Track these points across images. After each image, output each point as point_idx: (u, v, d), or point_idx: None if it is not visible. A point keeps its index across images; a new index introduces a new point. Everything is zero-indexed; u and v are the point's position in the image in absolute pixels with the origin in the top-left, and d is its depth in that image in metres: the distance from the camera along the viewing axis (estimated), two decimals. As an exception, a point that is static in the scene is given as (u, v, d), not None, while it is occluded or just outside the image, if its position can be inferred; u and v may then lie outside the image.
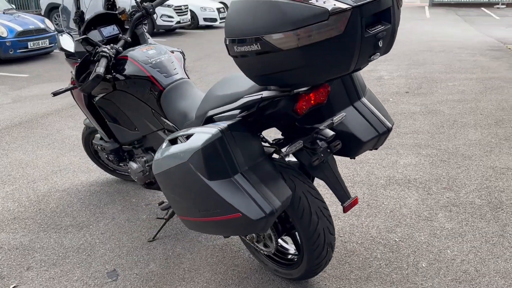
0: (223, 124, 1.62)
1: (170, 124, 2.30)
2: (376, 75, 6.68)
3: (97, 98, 2.56)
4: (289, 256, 2.32)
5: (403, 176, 3.33)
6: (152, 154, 2.60)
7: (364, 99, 1.98)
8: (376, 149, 2.02)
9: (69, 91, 2.62)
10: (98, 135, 3.03)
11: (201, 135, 1.59)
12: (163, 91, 2.32)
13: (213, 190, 1.56)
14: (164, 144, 1.77)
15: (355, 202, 1.84)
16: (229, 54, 1.50)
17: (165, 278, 2.31)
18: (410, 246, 2.49)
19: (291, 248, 2.34)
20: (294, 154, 1.84)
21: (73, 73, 2.63)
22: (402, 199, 2.99)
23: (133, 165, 2.63)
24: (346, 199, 1.83)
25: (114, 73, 2.37)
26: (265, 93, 1.60)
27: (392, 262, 2.36)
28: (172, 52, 2.51)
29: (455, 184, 3.19)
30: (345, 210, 1.82)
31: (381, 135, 1.91)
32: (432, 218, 2.77)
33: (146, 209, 3.00)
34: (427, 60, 7.67)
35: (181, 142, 1.78)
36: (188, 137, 1.69)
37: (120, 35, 2.59)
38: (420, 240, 2.54)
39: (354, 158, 1.99)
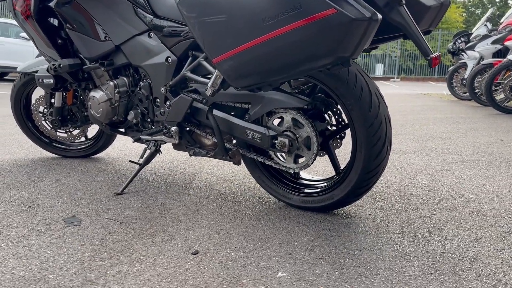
0: None
1: (159, 20, 1.78)
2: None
3: (54, 1, 1.95)
4: (320, 183, 1.81)
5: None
6: (124, 78, 1.99)
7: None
8: (430, 31, 1.69)
9: None
10: (41, 69, 2.28)
11: None
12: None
13: None
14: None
15: (438, 57, 1.45)
16: None
17: (152, 221, 1.64)
18: (444, 185, 2.11)
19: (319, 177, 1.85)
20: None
21: None
22: (407, 160, 2.65)
23: (96, 92, 1.98)
24: (430, 53, 1.43)
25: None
26: None
27: (434, 197, 1.95)
28: None
29: (451, 150, 2.95)
30: (432, 63, 1.40)
31: (442, 5, 1.59)
32: (449, 169, 2.44)
33: (100, 174, 2.28)
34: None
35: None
36: None
37: None
38: (450, 182, 2.18)
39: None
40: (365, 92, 1.51)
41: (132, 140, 2.04)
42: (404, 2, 1.38)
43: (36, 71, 2.31)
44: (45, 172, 2.28)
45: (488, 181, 2.22)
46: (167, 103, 1.86)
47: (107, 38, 1.93)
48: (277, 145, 1.63)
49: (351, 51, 1.15)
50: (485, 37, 6.96)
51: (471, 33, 7.65)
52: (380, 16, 1.14)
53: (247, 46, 1.19)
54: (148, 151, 1.99)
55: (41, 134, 2.63)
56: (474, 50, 7.03)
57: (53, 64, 2.05)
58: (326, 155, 1.76)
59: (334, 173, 1.78)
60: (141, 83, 1.94)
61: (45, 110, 2.48)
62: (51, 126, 2.50)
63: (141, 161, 1.99)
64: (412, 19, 1.45)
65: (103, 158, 2.61)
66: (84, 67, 2.05)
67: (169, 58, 1.80)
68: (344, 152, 2.32)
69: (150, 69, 1.86)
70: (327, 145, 1.72)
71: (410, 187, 2.10)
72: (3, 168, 2.34)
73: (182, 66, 1.81)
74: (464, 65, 7.26)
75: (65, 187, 2.03)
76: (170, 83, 1.81)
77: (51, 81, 2.13)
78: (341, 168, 1.74)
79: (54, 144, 2.64)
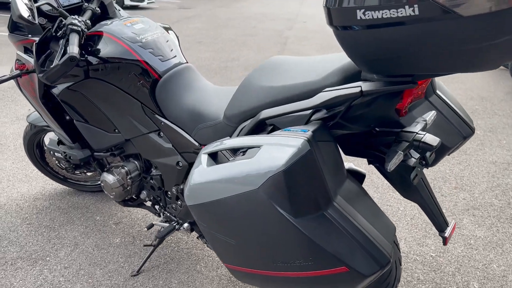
0: (306, 131, 1.09)
1: (170, 124, 1.71)
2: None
3: (58, 89, 1.87)
4: None
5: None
6: (136, 162, 1.98)
7: (438, 92, 1.55)
8: (449, 154, 1.62)
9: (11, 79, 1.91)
10: (51, 136, 2.31)
11: (277, 148, 1.05)
12: (159, 80, 1.72)
13: (301, 232, 1.04)
14: (204, 161, 1.20)
15: (453, 229, 1.42)
16: (333, 24, 0.98)
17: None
18: (451, 262, 2.15)
19: None
20: (383, 171, 1.36)
21: (21, 54, 1.93)
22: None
23: (109, 177, 1.98)
24: (445, 227, 1.40)
25: (86, 55, 1.73)
26: (366, 86, 1.10)
27: (439, 285, 2.00)
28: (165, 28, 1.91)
29: (464, 183, 2.92)
30: (445, 242, 1.38)
31: (465, 138, 1.50)
32: (458, 225, 2.45)
33: (117, 229, 2.36)
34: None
35: (231, 158, 1.23)
36: (246, 150, 1.15)
37: (85, 4, 1.93)
38: (458, 254, 2.21)
39: (428, 168, 1.56)
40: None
41: (146, 227, 2.08)
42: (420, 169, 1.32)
43: (47, 126, 2.30)
44: (62, 227, 2.37)
45: (496, 254, 2.24)
46: (179, 202, 1.86)
47: (116, 131, 1.88)
48: None
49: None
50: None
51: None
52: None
53: (256, 272, 1.18)
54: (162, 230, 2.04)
55: (57, 173, 2.67)
56: None
57: (64, 153, 2.02)
58: None
59: None
60: (153, 172, 1.92)
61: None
62: (64, 169, 2.53)
63: (154, 242, 2.05)
64: (429, 191, 1.39)
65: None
66: (95, 154, 2.02)
67: (180, 163, 1.76)
68: None
69: (161, 166, 1.84)
70: None
71: (416, 266, 2.14)
72: (26, 207, 2.42)
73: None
74: None
75: (83, 258, 2.12)
76: (181, 187, 1.80)
77: (61, 155, 2.12)
78: None
79: (69, 180, 2.70)
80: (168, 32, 1.91)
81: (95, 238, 2.28)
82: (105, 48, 1.71)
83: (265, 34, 8.74)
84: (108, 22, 1.79)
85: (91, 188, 2.69)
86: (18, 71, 1.88)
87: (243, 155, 1.17)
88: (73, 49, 1.54)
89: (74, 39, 1.59)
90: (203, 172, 1.16)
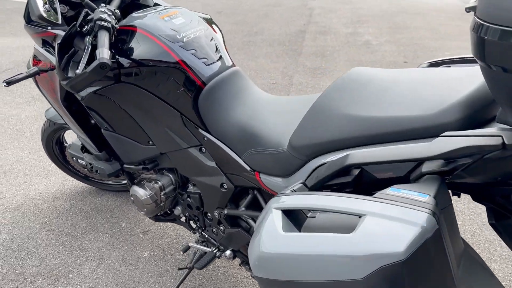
0: (425, 197, 0.82)
1: (215, 140, 1.45)
2: (361, 39, 5.99)
3: (84, 93, 1.60)
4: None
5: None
6: (171, 175, 1.72)
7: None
8: None
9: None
10: (75, 141, 2.07)
11: (390, 224, 0.78)
12: (203, 88, 1.44)
13: None
14: (277, 220, 0.93)
15: None
16: (486, 60, 0.69)
17: None
18: (523, 294, 1.90)
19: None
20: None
21: (39, 49, 1.65)
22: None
23: (140, 192, 1.73)
24: None
25: (117, 56, 1.45)
26: (509, 137, 0.81)
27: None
28: (207, 22, 1.61)
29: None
30: None
31: None
32: None
33: (145, 240, 2.14)
34: (407, 23, 7.08)
35: (310, 215, 0.97)
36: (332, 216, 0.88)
37: None
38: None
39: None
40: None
41: (182, 250, 1.84)
42: None
43: (65, 125, 2.05)
44: (85, 235, 2.15)
45: None
46: (221, 227, 1.62)
47: (151, 142, 1.62)
48: None
49: None
50: None
51: None
52: None
53: None
54: (198, 253, 1.81)
55: (78, 171, 2.44)
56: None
57: (90, 164, 1.78)
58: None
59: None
60: (190, 189, 1.67)
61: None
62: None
63: (190, 264, 1.82)
64: None
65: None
66: (125, 166, 1.76)
67: (224, 185, 1.51)
68: None
69: (201, 186, 1.59)
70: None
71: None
72: (45, 208, 2.21)
73: (240, 195, 1.54)
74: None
75: (110, 276, 1.91)
76: (225, 212, 1.55)
77: (86, 165, 1.87)
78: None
79: (91, 179, 2.47)
80: (211, 27, 1.61)
81: (121, 251, 2.06)
82: (139, 48, 1.43)
83: (288, 5, 8.29)
84: (141, 14, 1.50)
85: (115, 188, 2.46)
86: (35, 68, 1.61)
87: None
88: (103, 53, 1.26)
89: (104, 39, 1.31)
90: (279, 238, 0.89)
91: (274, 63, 4.84)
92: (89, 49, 1.35)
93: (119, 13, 1.50)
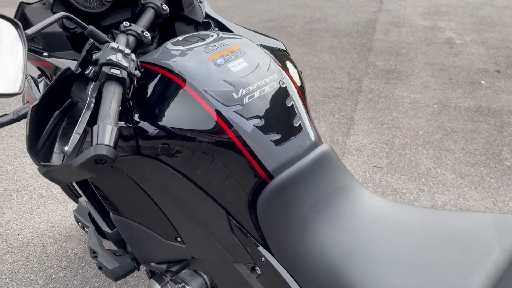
0: None
1: (279, 268, 0.89)
2: (442, 36, 5.16)
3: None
4: None
5: None
6: (205, 277, 1.19)
7: None
8: None
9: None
10: (81, 200, 1.58)
11: None
12: (268, 183, 0.88)
13: None
14: None
15: None
16: None
17: None
18: None
19: None
20: None
21: (31, 84, 1.14)
22: None
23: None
24: None
25: (136, 119, 0.90)
26: None
27: None
28: (281, 64, 1.03)
29: None
30: None
31: None
32: None
33: None
34: (494, 19, 6.13)
35: None
36: None
37: None
38: None
39: None
40: None
41: None
42: None
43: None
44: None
45: None
46: None
47: (179, 240, 1.09)
48: None
49: None
50: None
51: None
52: None
53: None
54: None
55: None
56: None
57: (94, 253, 1.28)
58: None
59: None
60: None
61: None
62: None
63: None
64: None
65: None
66: (144, 264, 1.24)
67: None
68: None
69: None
70: None
71: None
72: (47, 268, 1.76)
73: None
74: None
75: None
76: None
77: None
78: None
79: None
80: (286, 68, 1.03)
81: None
82: (168, 107, 0.88)
83: (356, -14, 7.45)
84: (180, 47, 0.94)
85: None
86: (26, 107, 1.10)
87: None
88: (104, 137, 0.70)
89: (111, 103, 0.75)
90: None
91: (340, 61, 4.18)
92: (91, 105, 0.82)
93: (149, 37, 0.96)
